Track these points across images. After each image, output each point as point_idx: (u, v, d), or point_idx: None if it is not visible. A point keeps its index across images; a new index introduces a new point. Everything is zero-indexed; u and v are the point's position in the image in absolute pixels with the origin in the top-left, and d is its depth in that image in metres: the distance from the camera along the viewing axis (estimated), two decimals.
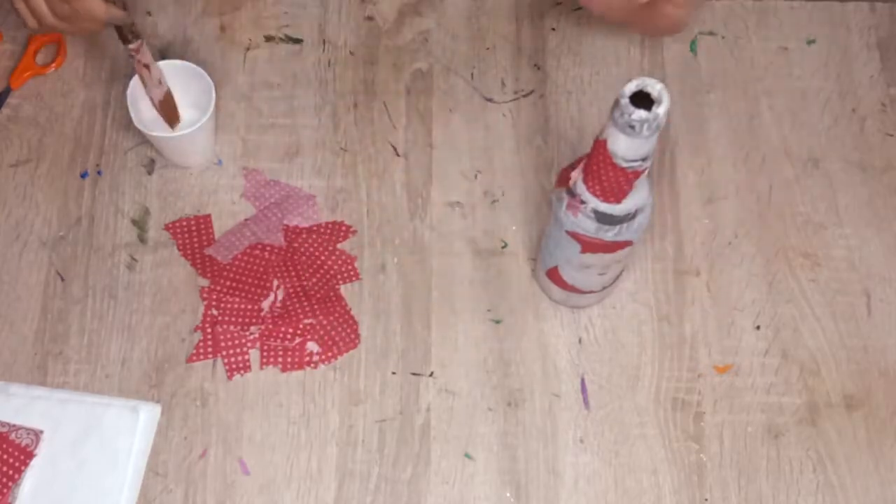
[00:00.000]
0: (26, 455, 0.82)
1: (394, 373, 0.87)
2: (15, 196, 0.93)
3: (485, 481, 0.83)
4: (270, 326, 0.87)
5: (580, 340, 0.88)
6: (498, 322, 0.89)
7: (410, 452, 0.84)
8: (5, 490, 0.81)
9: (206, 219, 0.92)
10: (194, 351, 0.87)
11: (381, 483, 0.83)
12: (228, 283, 0.88)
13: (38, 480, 0.82)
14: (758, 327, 0.89)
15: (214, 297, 0.88)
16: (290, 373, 0.86)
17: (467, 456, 0.84)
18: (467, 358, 0.87)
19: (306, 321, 0.87)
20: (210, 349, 0.87)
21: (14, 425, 0.83)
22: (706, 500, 0.83)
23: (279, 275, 0.89)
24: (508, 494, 0.83)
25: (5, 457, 0.81)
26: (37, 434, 0.83)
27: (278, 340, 0.87)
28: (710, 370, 0.87)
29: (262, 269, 0.89)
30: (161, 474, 0.83)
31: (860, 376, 0.87)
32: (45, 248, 0.91)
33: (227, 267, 0.89)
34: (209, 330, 0.87)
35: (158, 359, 0.87)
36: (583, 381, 0.86)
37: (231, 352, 0.86)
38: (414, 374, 0.87)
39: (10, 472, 0.81)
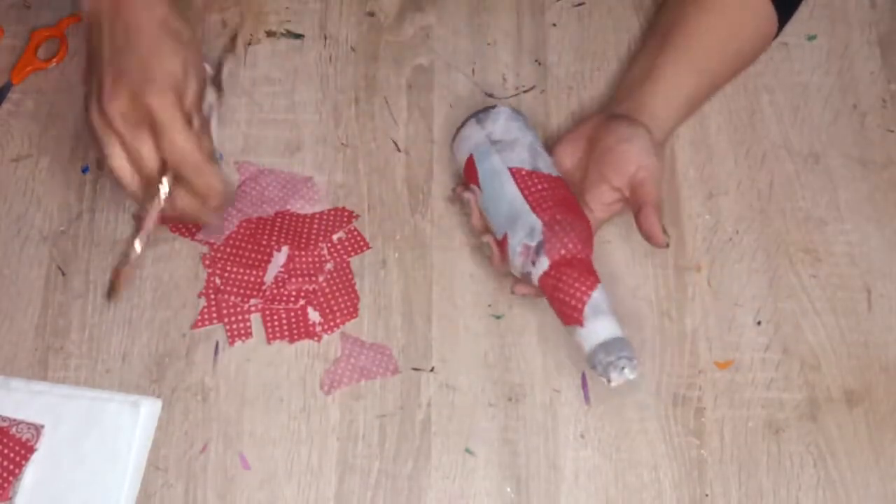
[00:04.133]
0: (27, 449, 0.82)
1: None
2: (16, 191, 0.93)
3: (485, 476, 0.83)
4: (274, 290, 0.88)
5: None
6: (499, 317, 0.89)
7: (411, 447, 0.84)
8: (6, 484, 0.81)
9: None
10: (199, 317, 0.87)
11: (382, 478, 0.83)
12: (229, 249, 0.90)
13: (39, 475, 0.82)
14: (758, 323, 0.89)
15: (219, 265, 0.89)
16: (291, 368, 0.86)
17: (468, 451, 0.84)
18: (468, 353, 0.87)
19: (307, 286, 0.88)
20: (214, 315, 0.87)
21: (15, 420, 0.83)
22: (707, 495, 0.83)
23: (283, 239, 0.90)
24: (509, 489, 0.83)
25: (6, 451, 0.81)
26: (37, 428, 0.83)
27: (282, 303, 0.87)
28: (711, 366, 0.87)
29: (261, 235, 0.90)
30: (162, 469, 0.83)
31: (861, 372, 0.87)
32: (46, 242, 0.91)
33: (228, 235, 0.91)
34: (213, 296, 0.88)
35: (159, 353, 0.87)
36: (584, 376, 0.86)
37: (233, 318, 0.87)
38: (415, 369, 0.87)
39: (11, 466, 0.81)
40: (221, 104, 0.77)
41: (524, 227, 0.82)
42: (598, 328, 0.79)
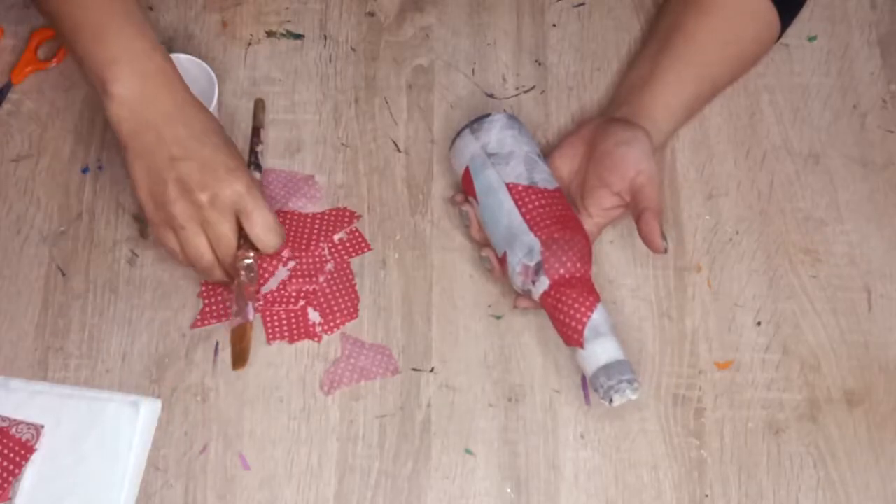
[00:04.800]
0: (27, 450, 0.82)
1: None
2: (16, 191, 0.93)
3: (485, 476, 0.83)
4: (274, 292, 0.88)
5: None
6: (499, 317, 0.89)
7: (411, 448, 0.84)
8: (6, 485, 0.81)
9: None
10: (198, 317, 0.87)
11: (382, 478, 0.83)
12: None
13: (39, 475, 0.82)
14: (758, 323, 0.89)
15: None
16: (291, 368, 0.86)
17: (468, 451, 0.84)
18: (468, 353, 0.87)
19: (307, 287, 0.88)
20: (213, 315, 0.88)
21: (15, 420, 0.83)
22: (707, 495, 0.83)
23: (290, 242, 0.90)
24: (509, 490, 0.83)
25: (6, 451, 0.81)
26: (37, 429, 0.83)
27: (282, 304, 0.87)
28: (711, 366, 0.87)
29: None
30: (161, 469, 0.83)
31: (861, 372, 0.87)
32: (46, 243, 0.91)
33: None
34: (211, 296, 0.88)
35: (159, 354, 0.87)
36: (583, 376, 0.86)
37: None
38: (415, 369, 0.87)
39: (11, 466, 0.81)
40: (261, 181, 0.89)
41: (522, 246, 0.82)
42: (599, 351, 0.79)
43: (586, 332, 0.79)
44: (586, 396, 0.86)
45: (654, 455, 0.84)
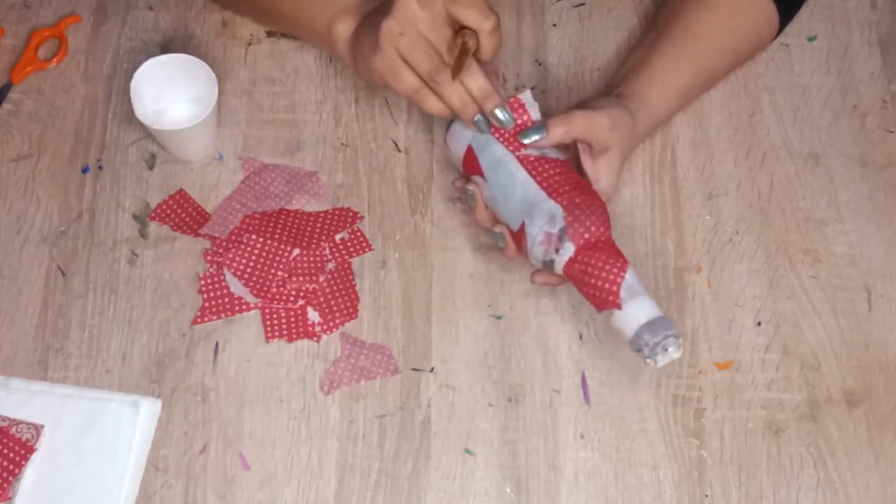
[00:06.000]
0: (27, 450, 0.82)
1: None
2: (16, 191, 0.93)
3: (485, 476, 0.83)
4: (273, 290, 0.88)
5: (581, 336, 0.88)
6: (499, 317, 0.89)
7: (411, 447, 0.84)
8: (6, 484, 0.81)
9: (181, 192, 0.93)
10: (199, 313, 0.88)
11: (382, 478, 0.83)
12: (233, 243, 0.90)
13: (39, 475, 0.82)
14: (758, 323, 0.89)
15: (221, 253, 0.89)
16: (291, 368, 0.86)
17: (468, 451, 0.84)
18: (468, 353, 0.87)
19: (307, 286, 0.88)
20: (213, 310, 0.88)
21: (15, 420, 0.83)
22: (706, 495, 0.83)
23: (287, 238, 0.90)
24: (508, 490, 0.83)
25: (6, 451, 0.81)
26: (37, 429, 0.83)
27: (281, 302, 0.88)
28: (711, 366, 0.87)
29: (264, 232, 0.90)
30: (161, 469, 0.83)
31: (861, 372, 0.87)
32: (46, 242, 0.91)
33: (231, 231, 0.91)
34: (211, 291, 0.88)
35: (159, 353, 0.87)
36: (583, 376, 0.86)
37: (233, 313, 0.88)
38: (414, 369, 0.87)
39: (11, 466, 0.81)
40: None
41: (543, 214, 0.81)
42: (637, 310, 0.77)
43: (622, 293, 0.78)
44: (586, 396, 0.86)
45: (654, 455, 0.84)
